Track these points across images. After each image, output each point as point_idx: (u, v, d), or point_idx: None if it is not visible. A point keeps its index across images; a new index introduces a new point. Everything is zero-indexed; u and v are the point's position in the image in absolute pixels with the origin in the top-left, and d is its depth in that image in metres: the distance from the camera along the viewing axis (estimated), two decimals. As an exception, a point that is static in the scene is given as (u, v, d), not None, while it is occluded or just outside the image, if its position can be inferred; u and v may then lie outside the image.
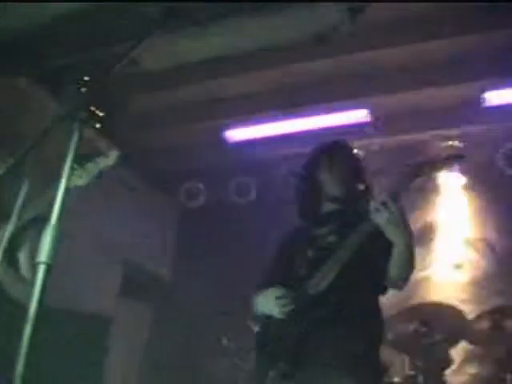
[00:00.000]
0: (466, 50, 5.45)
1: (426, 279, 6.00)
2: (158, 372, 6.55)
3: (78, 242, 6.04)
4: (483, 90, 5.76)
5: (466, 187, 6.66)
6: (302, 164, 6.60)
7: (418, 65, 5.64)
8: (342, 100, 5.95)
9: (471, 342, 5.39)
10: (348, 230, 3.02)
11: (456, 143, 6.22)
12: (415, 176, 2.87)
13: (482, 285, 6.25)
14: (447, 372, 5.49)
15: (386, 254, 2.90)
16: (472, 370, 5.93)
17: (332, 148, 3.43)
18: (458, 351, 5.84)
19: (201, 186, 7.12)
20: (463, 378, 5.86)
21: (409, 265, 2.93)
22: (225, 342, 5.49)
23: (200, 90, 6.12)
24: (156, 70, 5.84)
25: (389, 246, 2.85)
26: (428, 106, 5.93)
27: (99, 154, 3.39)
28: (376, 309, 3.14)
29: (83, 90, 2.20)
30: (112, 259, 6.56)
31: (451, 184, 6.56)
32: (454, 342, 5.25)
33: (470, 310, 5.58)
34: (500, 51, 5.39)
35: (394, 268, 2.91)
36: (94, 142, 5.73)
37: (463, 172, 6.50)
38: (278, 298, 3.06)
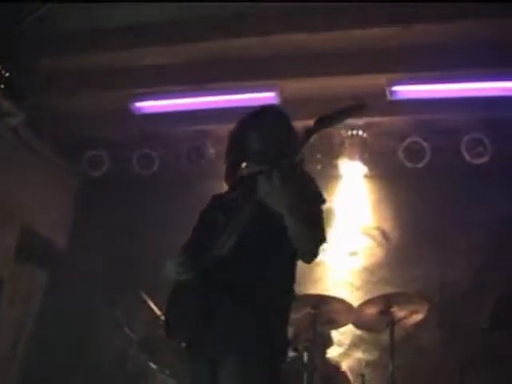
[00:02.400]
0: (376, 41, 5.55)
1: (321, 264, 6.16)
2: (50, 338, 6.42)
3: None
4: (391, 83, 5.85)
5: (367, 177, 6.80)
6: (206, 141, 6.60)
7: (329, 52, 5.69)
8: (251, 80, 5.96)
9: (358, 327, 5.49)
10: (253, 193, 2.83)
11: (360, 133, 6.33)
12: (306, 137, 2.75)
13: (373, 272, 6.43)
14: (334, 355, 5.64)
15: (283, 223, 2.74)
16: (359, 354, 6.08)
17: (262, 110, 3.33)
18: (347, 335, 6.02)
19: (105, 155, 6.92)
20: (350, 361, 6.00)
21: (307, 237, 2.77)
22: (117, 312, 5.44)
23: (112, 57, 5.98)
24: (68, 34, 5.70)
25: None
26: (336, 94, 5.99)
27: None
28: (283, 279, 2.98)
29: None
30: (8, 222, 6.37)
31: (352, 173, 6.67)
32: (339, 325, 5.34)
33: (360, 297, 5.74)
34: (411, 46, 5.53)
35: (293, 239, 2.78)
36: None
37: (365, 162, 6.60)
38: (176, 263, 2.92)
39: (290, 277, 3.04)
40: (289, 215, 2.67)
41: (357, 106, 2.79)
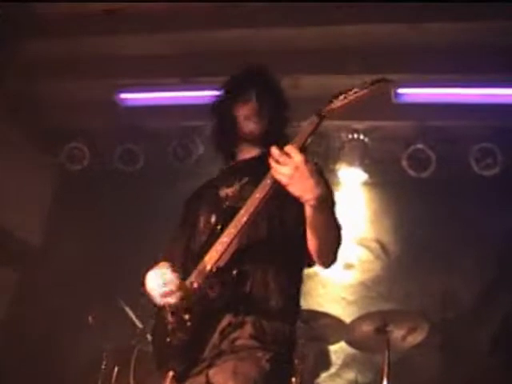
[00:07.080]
0: (382, 39, 5.34)
1: (314, 275, 5.81)
2: (16, 341, 6.15)
3: None
4: (396, 85, 5.58)
5: (367, 185, 6.56)
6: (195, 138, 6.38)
7: (331, 49, 5.48)
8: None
9: (351, 345, 5.28)
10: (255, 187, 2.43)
11: (361, 137, 6.11)
12: (325, 116, 2.35)
13: (370, 287, 6.19)
14: (324, 375, 5.52)
15: (299, 220, 2.35)
16: (351, 375, 5.83)
17: (250, 74, 2.88)
18: (339, 354, 5.78)
19: (85, 148, 6.59)
20: (342, 382, 5.79)
21: (329, 234, 2.37)
22: (90, 319, 5.16)
23: (97, 45, 5.72)
24: (51, 18, 5.41)
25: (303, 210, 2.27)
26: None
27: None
28: (291, 294, 2.57)
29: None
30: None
31: (351, 180, 6.45)
32: (331, 343, 5.27)
33: (354, 312, 5.55)
34: (420, 46, 5.32)
35: (309, 238, 2.36)
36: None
37: (365, 168, 6.37)
38: (163, 283, 2.43)
39: (297, 293, 2.64)
40: (314, 204, 2.18)
41: (377, 81, 2.30)
